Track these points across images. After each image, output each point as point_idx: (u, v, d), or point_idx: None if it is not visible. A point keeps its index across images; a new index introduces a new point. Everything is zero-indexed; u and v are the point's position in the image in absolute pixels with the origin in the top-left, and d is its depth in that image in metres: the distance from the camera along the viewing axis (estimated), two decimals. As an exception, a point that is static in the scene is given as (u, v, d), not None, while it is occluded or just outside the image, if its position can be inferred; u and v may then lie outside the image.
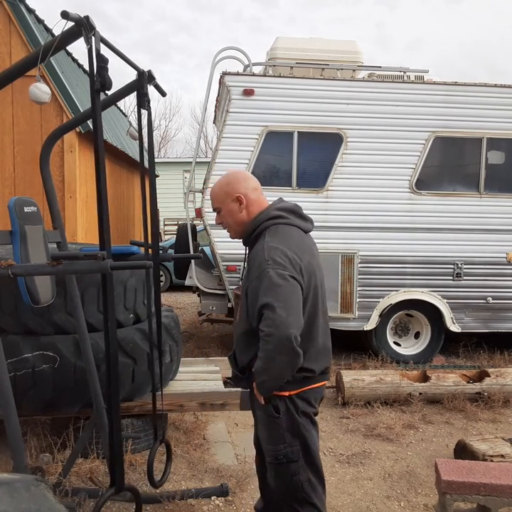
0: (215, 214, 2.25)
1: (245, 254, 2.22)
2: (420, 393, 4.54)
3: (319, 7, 41.68)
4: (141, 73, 2.58)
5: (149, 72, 2.62)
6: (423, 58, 37.56)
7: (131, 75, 2.55)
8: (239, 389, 3.25)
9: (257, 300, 1.92)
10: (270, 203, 2.17)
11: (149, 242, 2.80)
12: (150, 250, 2.83)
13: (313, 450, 2.09)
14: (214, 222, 5.30)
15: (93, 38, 2.01)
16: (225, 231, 2.24)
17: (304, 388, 2.07)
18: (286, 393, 2.04)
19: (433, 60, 35.96)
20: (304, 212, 2.22)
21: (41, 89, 2.26)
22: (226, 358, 2.52)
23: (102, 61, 2.06)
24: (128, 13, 42.73)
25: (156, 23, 42.22)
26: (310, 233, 2.21)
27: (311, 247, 2.16)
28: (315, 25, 38.89)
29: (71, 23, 1.99)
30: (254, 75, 5.64)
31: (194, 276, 6.04)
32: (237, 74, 5.57)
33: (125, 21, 42.19)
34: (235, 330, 2.16)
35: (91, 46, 2.02)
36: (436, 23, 40.83)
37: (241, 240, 2.22)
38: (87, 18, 1.98)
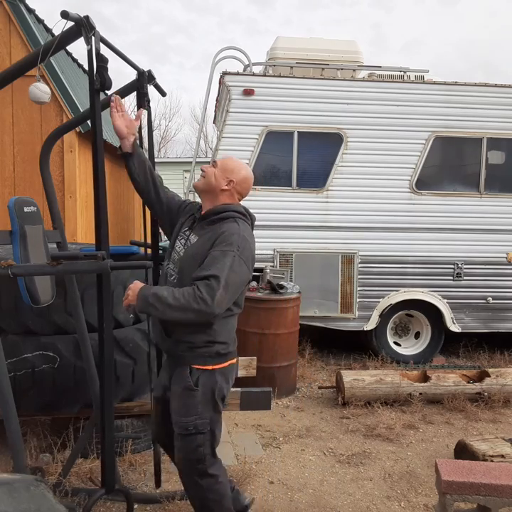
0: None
1: (194, 220, 2.35)
2: (420, 393, 4.54)
3: (315, 9, 41.49)
4: (141, 73, 2.58)
5: (149, 72, 2.62)
6: (420, 59, 37.47)
7: (131, 75, 2.56)
8: (239, 389, 3.25)
9: (209, 262, 2.11)
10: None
11: (149, 242, 2.80)
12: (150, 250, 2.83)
13: (218, 427, 2.32)
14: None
15: (93, 37, 2.02)
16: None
17: (224, 364, 2.26)
18: (210, 367, 2.22)
19: (430, 62, 35.91)
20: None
21: (41, 89, 2.26)
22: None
23: (102, 61, 2.06)
24: (125, 14, 42.64)
25: (153, 25, 42.14)
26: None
27: None
28: (311, 27, 38.72)
29: (71, 23, 2.00)
30: (254, 74, 5.64)
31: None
32: (237, 74, 5.57)
33: (122, 23, 42.08)
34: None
35: (91, 46, 2.02)
36: (433, 25, 40.71)
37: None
38: (87, 17, 1.98)
